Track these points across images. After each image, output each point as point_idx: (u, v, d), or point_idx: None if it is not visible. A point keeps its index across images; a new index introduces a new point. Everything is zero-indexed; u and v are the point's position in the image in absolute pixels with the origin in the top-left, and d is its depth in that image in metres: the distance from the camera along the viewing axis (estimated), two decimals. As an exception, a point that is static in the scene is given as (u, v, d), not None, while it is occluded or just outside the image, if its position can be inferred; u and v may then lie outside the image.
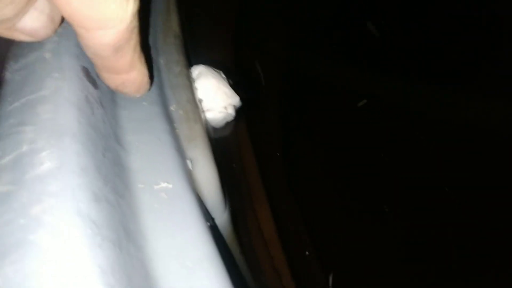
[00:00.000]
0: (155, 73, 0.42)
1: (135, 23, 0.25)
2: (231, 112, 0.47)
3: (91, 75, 0.33)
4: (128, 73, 0.29)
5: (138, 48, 0.28)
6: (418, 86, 0.89)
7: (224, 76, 0.49)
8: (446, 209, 0.76)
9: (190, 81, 0.43)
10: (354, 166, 0.83)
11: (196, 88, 0.44)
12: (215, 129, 0.49)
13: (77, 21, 0.24)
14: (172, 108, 0.40)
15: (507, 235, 0.72)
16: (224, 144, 0.53)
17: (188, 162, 0.35)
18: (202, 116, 0.42)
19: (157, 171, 0.32)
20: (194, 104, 0.40)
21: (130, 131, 0.34)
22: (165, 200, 0.30)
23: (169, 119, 0.38)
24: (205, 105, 0.45)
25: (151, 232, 0.28)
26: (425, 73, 0.91)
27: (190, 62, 0.48)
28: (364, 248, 0.75)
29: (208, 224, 0.31)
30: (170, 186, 0.31)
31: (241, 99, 0.50)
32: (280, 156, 0.77)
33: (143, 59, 0.29)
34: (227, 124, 0.50)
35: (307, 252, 0.52)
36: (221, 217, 0.39)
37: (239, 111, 0.51)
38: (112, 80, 0.29)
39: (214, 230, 0.33)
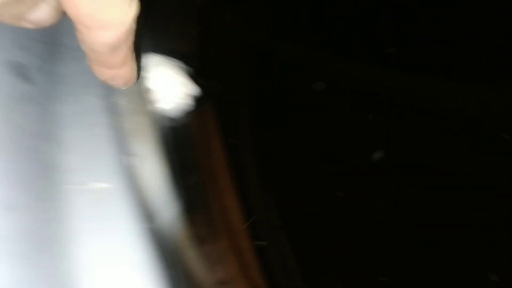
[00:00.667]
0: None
1: (134, 26, 0.27)
2: (187, 101, 0.45)
3: (24, 71, 0.31)
4: (120, 68, 0.30)
5: (132, 47, 0.29)
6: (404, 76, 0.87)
7: (182, 65, 0.47)
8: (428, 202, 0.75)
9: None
10: (330, 155, 0.81)
11: (148, 79, 0.42)
12: (172, 120, 0.47)
13: (81, 20, 0.25)
14: (119, 101, 0.38)
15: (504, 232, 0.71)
16: (183, 134, 0.52)
17: (132, 158, 0.33)
18: (153, 107, 0.40)
19: (93, 169, 0.30)
20: (142, 96, 0.39)
21: (68, 127, 0.33)
22: (99, 201, 0.28)
23: (114, 113, 0.36)
24: (159, 95, 0.43)
25: (78, 238, 0.26)
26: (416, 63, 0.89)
27: (146, 51, 0.46)
28: (341, 238, 0.74)
29: (149, 225, 0.29)
30: (106, 185, 0.29)
31: (203, 87, 0.48)
32: (250, 144, 0.75)
33: (134, 56, 0.30)
34: (187, 113, 0.48)
35: (264, 243, 0.51)
36: (172, 212, 0.38)
37: (202, 100, 0.50)
38: (103, 73, 0.30)
39: (156, 230, 0.32)
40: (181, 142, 0.48)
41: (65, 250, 0.25)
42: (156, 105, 0.41)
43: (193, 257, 0.40)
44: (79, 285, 0.24)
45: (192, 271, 0.40)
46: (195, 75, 0.50)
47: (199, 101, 0.48)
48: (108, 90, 0.37)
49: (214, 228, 0.53)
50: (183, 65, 0.47)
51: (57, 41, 0.37)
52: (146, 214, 0.33)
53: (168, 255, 0.33)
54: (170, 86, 0.43)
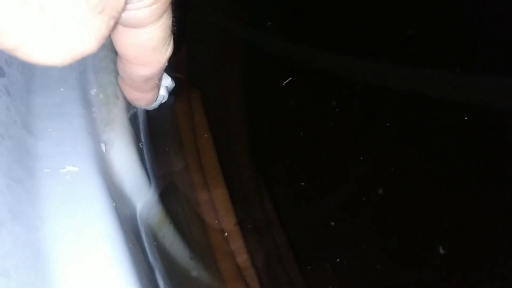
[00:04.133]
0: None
1: (166, 63, 0.32)
2: (163, 93, 0.48)
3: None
4: (147, 93, 0.36)
5: (161, 78, 0.35)
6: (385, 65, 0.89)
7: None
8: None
9: (115, 65, 0.44)
10: (321, 144, 0.83)
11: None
12: (151, 111, 0.49)
13: (127, 57, 0.30)
14: (93, 92, 0.40)
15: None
16: (163, 125, 0.54)
17: (102, 145, 0.36)
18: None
19: (64, 155, 0.33)
20: (115, 87, 0.41)
21: (42, 118, 0.35)
22: (69, 182, 0.31)
23: (87, 103, 0.38)
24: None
25: (50, 214, 0.29)
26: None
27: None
28: (325, 214, 0.76)
29: (114, 204, 0.32)
30: (76, 169, 0.32)
31: (178, 80, 0.50)
32: (243, 131, 0.77)
33: (160, 83, 0.37)
34: (165, 104, 0.50)
35: (225, 234, 0.53)
36: (146, 196, 0.41)
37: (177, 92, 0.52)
38: (132, 94, 0.36)
39: (124, 209, 0.35)
40: (157, 131, 0.50)
41: (37, 224, 0.27)
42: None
43: (166, 236, 0.42)
44: (48, 255, 0.26)
45: (166, 249, 0.42)
46: (170, 68, 0.53)
47: (174, 93, 0.50)
48: (80, 82, 0.40)
49: (202, 218, 0.55)
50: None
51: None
52: (118, 196, 0.36)
53: (134, 232, 0.35)
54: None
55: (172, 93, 0.49)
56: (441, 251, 0.55)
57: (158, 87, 0.38)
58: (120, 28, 0.28)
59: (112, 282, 0.27)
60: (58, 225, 0.29)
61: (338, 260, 0.59)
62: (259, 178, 0.77)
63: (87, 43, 0.21)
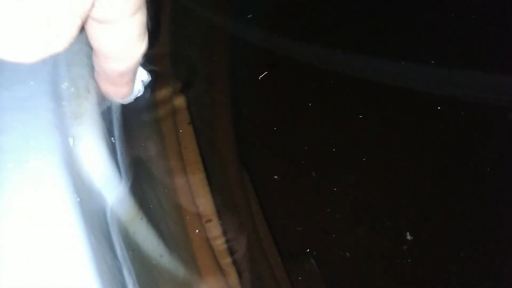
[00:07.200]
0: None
1: (141, 58, 0.32)
2: (138, 87, 0.47)
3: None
4: (122, 87, 0.36)
5: (136, 72, 0.36)
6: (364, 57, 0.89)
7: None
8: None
9: (88, 59, 0.43)
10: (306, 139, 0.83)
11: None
12: (127, 105, 0.49)
13: (102, 53, 0.31)
14: (64, 85, 0.40)
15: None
16: (140, 118, 0.54)
17: (70, 139, 0.36)
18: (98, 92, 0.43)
19: (29, 149, 0.33)
20: (88, 81, 0.41)
21: (9, 111, 0.35)
22: (32, 177, 0.31)
23: (57, 97, 0.38)
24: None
25: (11, 209, 0.29)
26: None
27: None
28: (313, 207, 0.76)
29: (78, 199, 0.32)
30: (40, 163, 0.32)
31: (154, 73, 0.50)
32: (227, 123, 0.77)
33: (135, 78, 0.37)
34: (142, 98, 0.50)
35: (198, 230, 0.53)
36: (117, 191, 0.40)
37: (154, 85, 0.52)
38: (107, 88, 0.36)
39: (90, 204, 0.35)
40: (134, 124, 0.50)
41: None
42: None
43: (138, 231, 0.42)
44: (5, 250, 0.26)
45: (138, 244, 0.42)
46: (147, 61, 0.52)
47: (152, 86, 0.50)
48: (51, 76, 0.40)
49: (181, 213, 0.55)
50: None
51: None
52: (85, 191, 0.36)
53: (99, 224, 0.35)
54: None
55: (148, 86, 0.49)
56: (408, 237, 0.56)
57: (133, 81, 0.38)
58: (94, 24, 0.28)
59: (68, 275, 0.27)
60: (19, 220, 0.29)
61: (308, 250, 0.60)
62: (241, 168, 0.77)
63: (56, 42, 0.22)
